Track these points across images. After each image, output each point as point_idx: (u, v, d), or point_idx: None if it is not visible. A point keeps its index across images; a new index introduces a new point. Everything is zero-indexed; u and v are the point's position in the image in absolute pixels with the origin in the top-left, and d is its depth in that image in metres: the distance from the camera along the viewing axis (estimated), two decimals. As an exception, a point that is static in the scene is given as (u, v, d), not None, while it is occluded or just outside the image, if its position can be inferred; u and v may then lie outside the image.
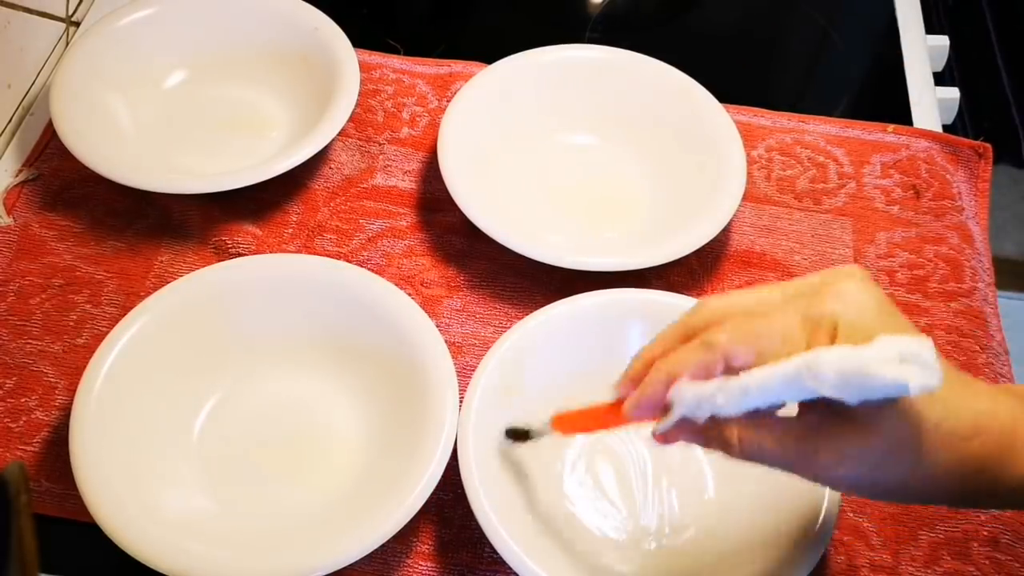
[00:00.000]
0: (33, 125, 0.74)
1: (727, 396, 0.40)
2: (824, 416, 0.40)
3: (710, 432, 0.43)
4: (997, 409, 0.41)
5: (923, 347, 0.37)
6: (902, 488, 0.41)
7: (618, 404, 0.46)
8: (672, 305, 0.60)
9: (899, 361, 0.36)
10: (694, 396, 0.41)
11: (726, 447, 0.42)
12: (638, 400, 0.44)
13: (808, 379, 0.38)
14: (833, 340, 0.39)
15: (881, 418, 0.39)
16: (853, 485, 0.42)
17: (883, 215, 0.71)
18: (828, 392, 0.37)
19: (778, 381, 0.39)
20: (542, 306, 0.60)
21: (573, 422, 0.52)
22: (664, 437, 0.44)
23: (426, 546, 0.56)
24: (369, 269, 0.62)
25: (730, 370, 0.41)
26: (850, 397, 0.37)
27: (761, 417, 0.41)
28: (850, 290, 0.40)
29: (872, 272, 0.68)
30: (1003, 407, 0.41)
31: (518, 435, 0.55)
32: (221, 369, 0.61)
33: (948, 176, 0.73)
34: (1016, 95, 1.11)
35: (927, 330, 0.65)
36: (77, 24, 0.81)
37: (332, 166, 0.72)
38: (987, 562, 0.56)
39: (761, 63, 0.86)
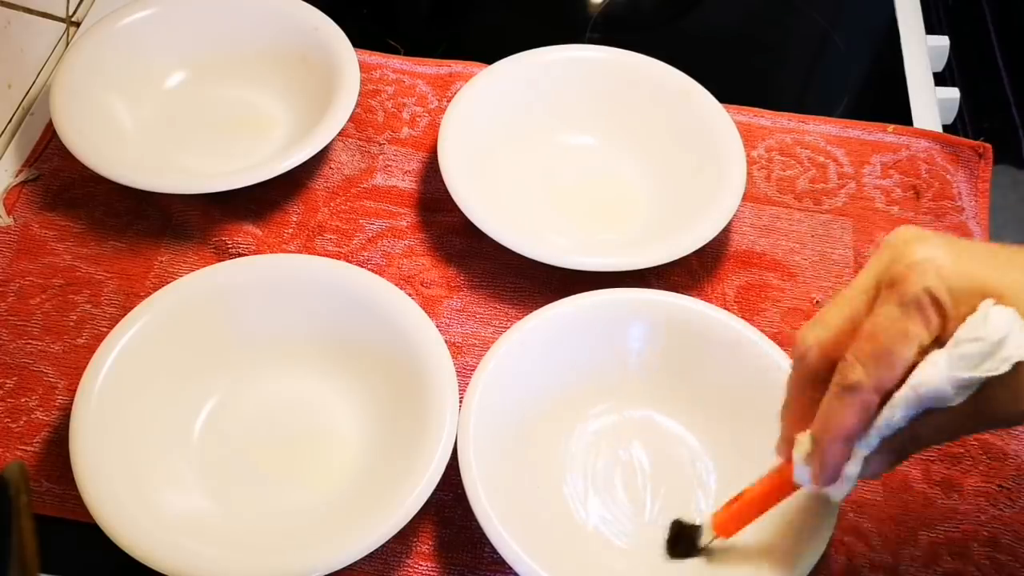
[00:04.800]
0: (33, 125, 0.74)
1: (899, 409, 0.41)
2: None
3: (892, 448, 0.43)
4: None
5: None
6: None
7: (780, 477, 0.48)
8: (672, 305, 0.60)
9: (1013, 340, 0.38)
10: (874, 431, 0.43)
11: (910, 449, 0.43)
12: (825, 476, 0.44)
13: (952, 385, 0.40)
14: (943, 314, 0.40)
15: None
16: None
17: (883, 215, 0.71)
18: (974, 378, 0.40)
19: (934, 391, 0.40)
20: (542, 306, 0.60)
21: (739, 517, 0.52)
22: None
23: (426, 546, 0.56)
24: (369, 269, 0.62)
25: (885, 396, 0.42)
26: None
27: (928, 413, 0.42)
28: (925, 258, 0.40)
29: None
30: None
31: (685, 547, 0.54)
32: (221, 369, 0.61)
33: (948, 176, 0.73)
34: (1016, 95, 1.11)
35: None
36: (77, 24, 0.81)
37: (332, 166, 0.72)
38: (987, 562, 0.56)
39: (761, 63, 0.86)
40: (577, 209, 0.71)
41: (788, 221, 0.71)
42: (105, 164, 0.66)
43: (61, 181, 0.70)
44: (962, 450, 0.60)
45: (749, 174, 0.70)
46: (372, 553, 0.51)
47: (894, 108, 0.79)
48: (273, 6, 0.76)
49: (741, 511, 0.51)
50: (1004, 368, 0.39)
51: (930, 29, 0.86)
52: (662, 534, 0.55)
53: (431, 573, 0.55)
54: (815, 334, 0.44)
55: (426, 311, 0.59)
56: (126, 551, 0.50)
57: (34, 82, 0.76)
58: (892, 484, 0.59)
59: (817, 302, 0.66)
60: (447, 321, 0.65)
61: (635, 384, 0.60)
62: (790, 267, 0.68)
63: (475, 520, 0.52)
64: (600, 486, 0.57)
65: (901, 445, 0.43)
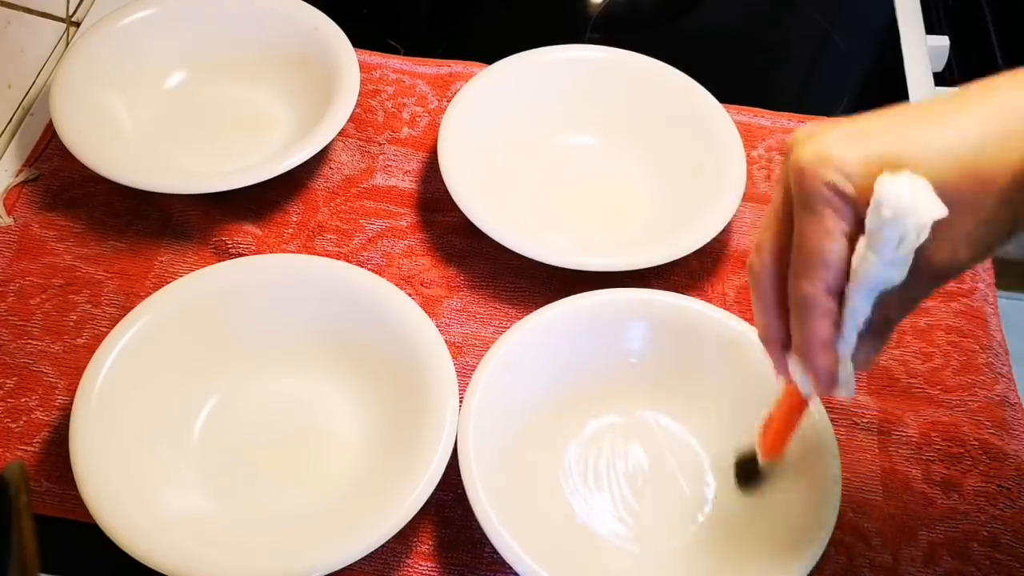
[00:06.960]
0: (33, 125, 0.74)
1: (857, 301, 0.41)
2: None
3: (871, 335, 0.44)
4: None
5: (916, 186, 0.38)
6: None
7: (791, 396, 0.49)
8: (672, 305, 0.60)
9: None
10: (847, 327, 0.42)
11: (887, 331, 0.44)
12: (825, 384, 0.44)
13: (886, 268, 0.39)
14: (852, 200, 0.39)
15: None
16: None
17: (883, 215, 0.71)
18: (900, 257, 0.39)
19: (878, 280, 0.40)
20: (542, 306, 0.60)
21: (775, 441, 0.53)
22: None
23: (426, 546, 0.56)
24: (369, 269, 0.62)
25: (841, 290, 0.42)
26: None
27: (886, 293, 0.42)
28: (816, 156, 0.40)
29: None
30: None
31: (750, 475, 0.56)
32: (221, 369, 0.61)
33: (948, 176, 0.73)
34: (1016, 95, 1.10)
35: (927, 330, 0.65)
36: (77, 24, 0.81)
37: (332, 166, 0.72)
38: (987, 562, 0.56)
39: (761, 63, 0.86)
40: (577, 209, 0.71)
41: (788, 221, 0.71)
42: (105, 164, 0.66)
43: (61, 181, 0.70)
44: (962, 450, 0.60)
45: (749, 174, 0.70)
46: (372, 553, 0.51)
47: (894, 108, 0.79)
48: (273, 6, 0.76)
49: (775, 436, 0.52)
50: (924, 236, 0.38)
51: (930, 29, 0.86)
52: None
53: (431, 573, 0.55)
54: (758, 260, 0.44)
55: (426, 311, 0.59)
56: (126, 551, 0.50)
57: (34, 82, 0.76)
58: (892, 484, 0.59)
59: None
60: (447, 321, 0.65)
61: (635, 384, 0.60)
62: (790, 267, 0.68)
63: (475, 520, 0.52)
64: (600, 486, 0.58)
65: (878, 329, 0.43)
